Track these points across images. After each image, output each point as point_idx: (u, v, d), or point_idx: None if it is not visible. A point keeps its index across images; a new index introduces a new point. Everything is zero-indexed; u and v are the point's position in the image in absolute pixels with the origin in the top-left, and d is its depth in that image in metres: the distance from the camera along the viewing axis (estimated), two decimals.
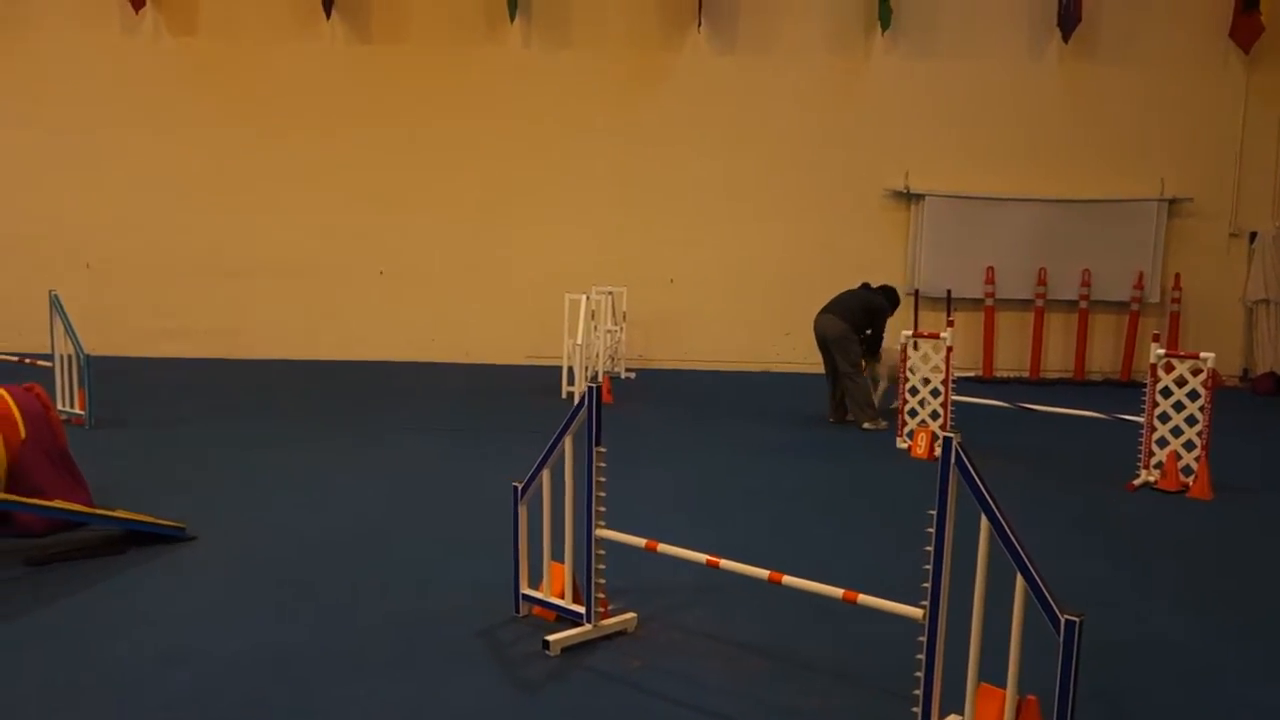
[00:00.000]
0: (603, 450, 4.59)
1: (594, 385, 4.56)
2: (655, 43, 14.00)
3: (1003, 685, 3.53)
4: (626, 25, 13.94)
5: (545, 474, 4.83)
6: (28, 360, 10.13)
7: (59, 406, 9.30)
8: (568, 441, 4.71)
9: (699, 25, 13.82)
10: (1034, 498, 7.59)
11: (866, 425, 10.13)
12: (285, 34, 13.84)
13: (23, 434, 6.20)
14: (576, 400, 4.65)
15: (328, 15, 13.67)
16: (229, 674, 4.27)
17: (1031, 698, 3.56)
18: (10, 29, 13.77)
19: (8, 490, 6.05)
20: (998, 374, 14.32)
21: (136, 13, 13.64)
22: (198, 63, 13.85)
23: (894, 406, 9.74)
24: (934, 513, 3.54)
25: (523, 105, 13.98)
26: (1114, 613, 5.22)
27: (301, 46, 13.85)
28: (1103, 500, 7.63)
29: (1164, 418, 7.98)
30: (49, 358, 9.60)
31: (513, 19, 13.70)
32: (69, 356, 9.42)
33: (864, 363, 10.42)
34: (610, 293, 12.70)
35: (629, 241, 13.88)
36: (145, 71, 13.82)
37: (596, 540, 4.66)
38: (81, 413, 9.27)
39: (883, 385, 10.59)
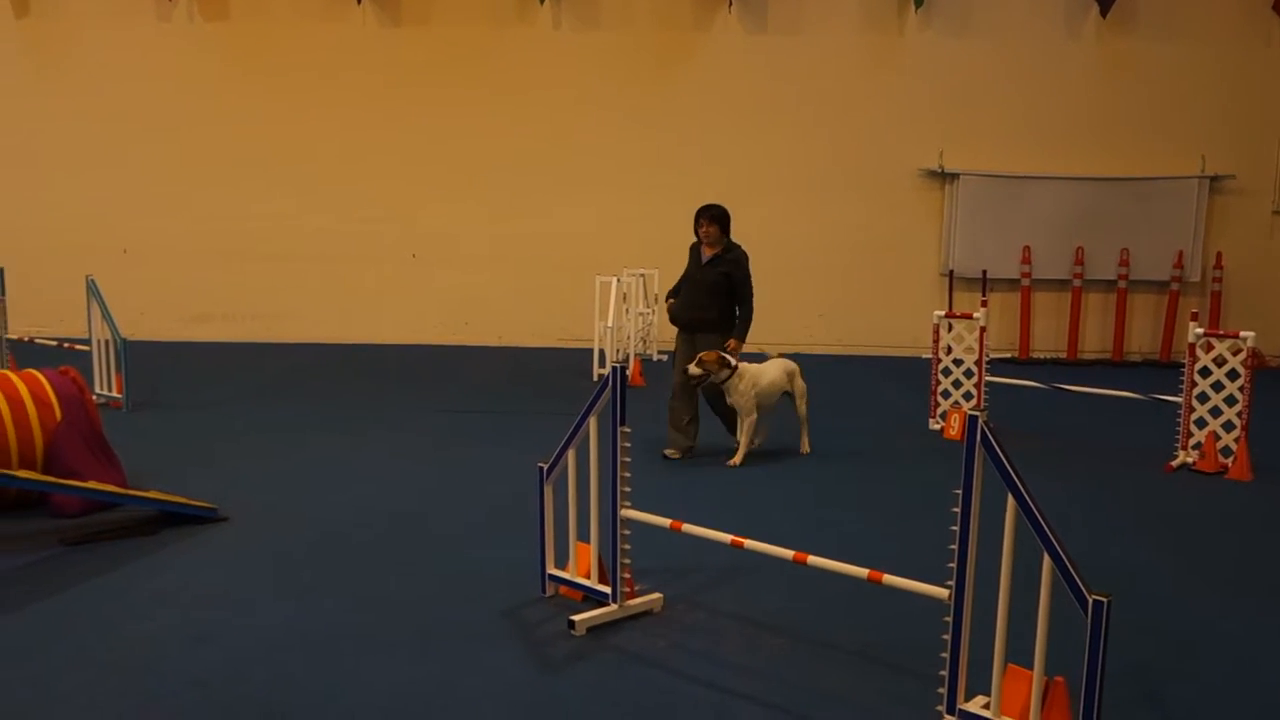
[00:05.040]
0: (628, 430, 4.57)
1: (618, 365, 4.54)
2: (686, 22, 13.90)
3: (1030, 666, 3.49)
4: (656, 5, 13.86)
5: (571, 454, 4.83)
6: (66, 345, 10.27)
7: (97, 390, 9.43)
8: (593, 422, 4.69)
9: (730, 4, 13.71)
10: (1069, 479, 7.49)
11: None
12: (317, 17, 13.89)
13: (58, 416, 6.30)
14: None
15: None
16: (257, 652, 4.31)
17: (1059, 679, 3.51)
18: (46, 19, 13.92)
19: (44, 472, 6.14)
20: (1034, 355, 14.15)
21: (170, 0, 13.74)
22: (231, 48, 13.94)
23: (755, 444, 7.93)
24: (960, 492, 3.50)
25: (554, 87, 13.95)
26: (1148, 594, 5.15)
27: (333, 30, 13.90)
28: (1140, 481, 7.52)
29: (1203, 398, 7.85)
30: (87, 342, 9.72)
31: (543, 1, 13.66)
32: (106, 341, 9.53)
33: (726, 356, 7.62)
34: (642, 275, 12.67)
35: (661, 223, 13.80)
36: (180, 58, 13.93)
37: (622, 520, 4.65)
38: (119, 396, 9.38)
39: (746, 419, 7.76)
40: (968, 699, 3.66)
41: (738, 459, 7.71)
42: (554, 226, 14.11)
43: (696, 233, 7.87)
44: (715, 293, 7.75)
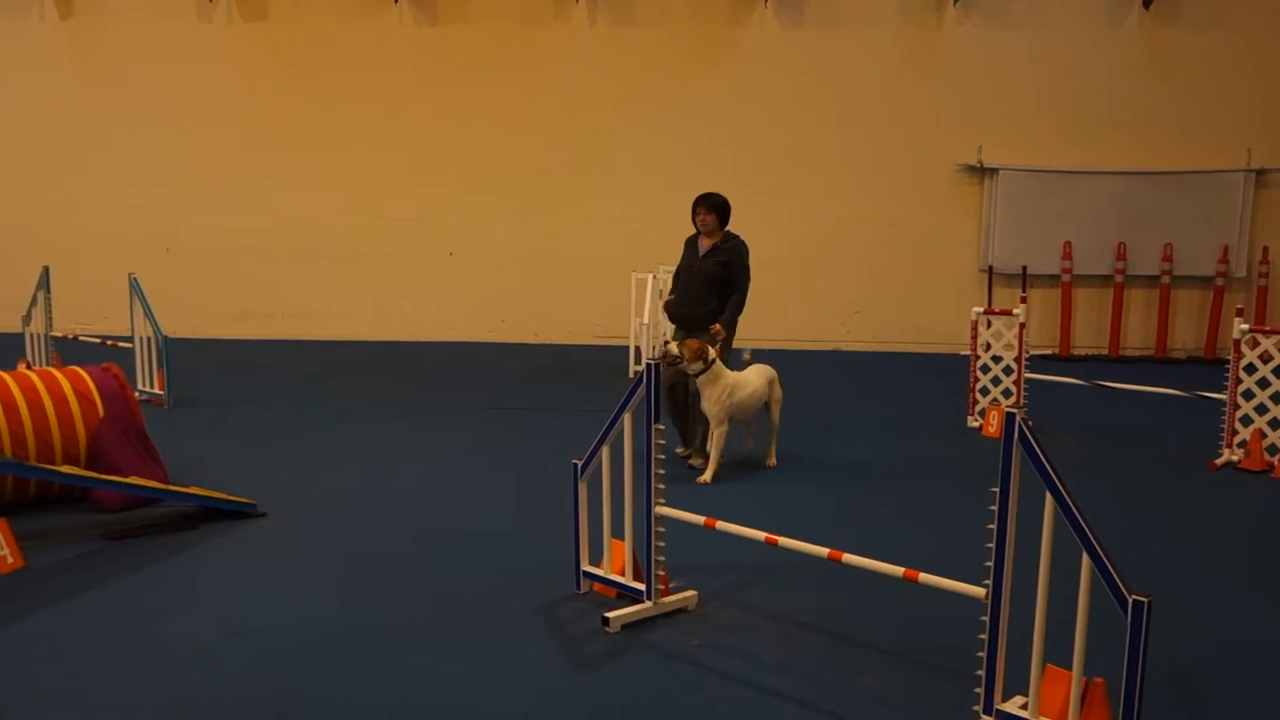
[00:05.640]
0: (661, 427, 4.56)
1: (652, 362, 4.53)
2: (722, 17, 13.85)
3: (1069, 667, 3.44)
4: (692, 1, 13.82)
5: (605, 451, 4.82)
6: (109, 342, 10.41)
7: (139, 387, 9.55)
8: (627, 419, 4.69)
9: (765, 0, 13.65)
10: (1111, 477, 7.38)
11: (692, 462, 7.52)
12: (354, 17, 13.97)
13: (101, 413, 6.39)
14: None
15: None
16: (292, 646, 4.34)
17: (1099, 680, 3.45)
18: (90, 20, 14.12)
19: (87, 467, 6.23)
20: (1075, 351, 13.97)
21: (211, 0, 13.89)
22: (270, 48, 14.06)
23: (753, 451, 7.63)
24: (997, 490, 3.45)
25: (589, 83, 13.94)
26: (1192, 595, 5.06)
27: (370, 29, 13.98)
28: (1183, 480, 7.40)
29: (1248, 395, 7.71)
30: (130, 339, 9.85)
31: None
32: (148, 338, 9.65)
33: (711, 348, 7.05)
34: None
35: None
36: (220, 57, 14.07)
37: (656, 517, 4.63)
38: (161, 393, 9.50)
39: (716, 430, 7.07)
40: (1005, 699, 3.62)
41: (708, 475, 7.04)
42: (590, 223, 14.10)
43: (694, 223, 7.46)
44: (713, 285, 7.28)
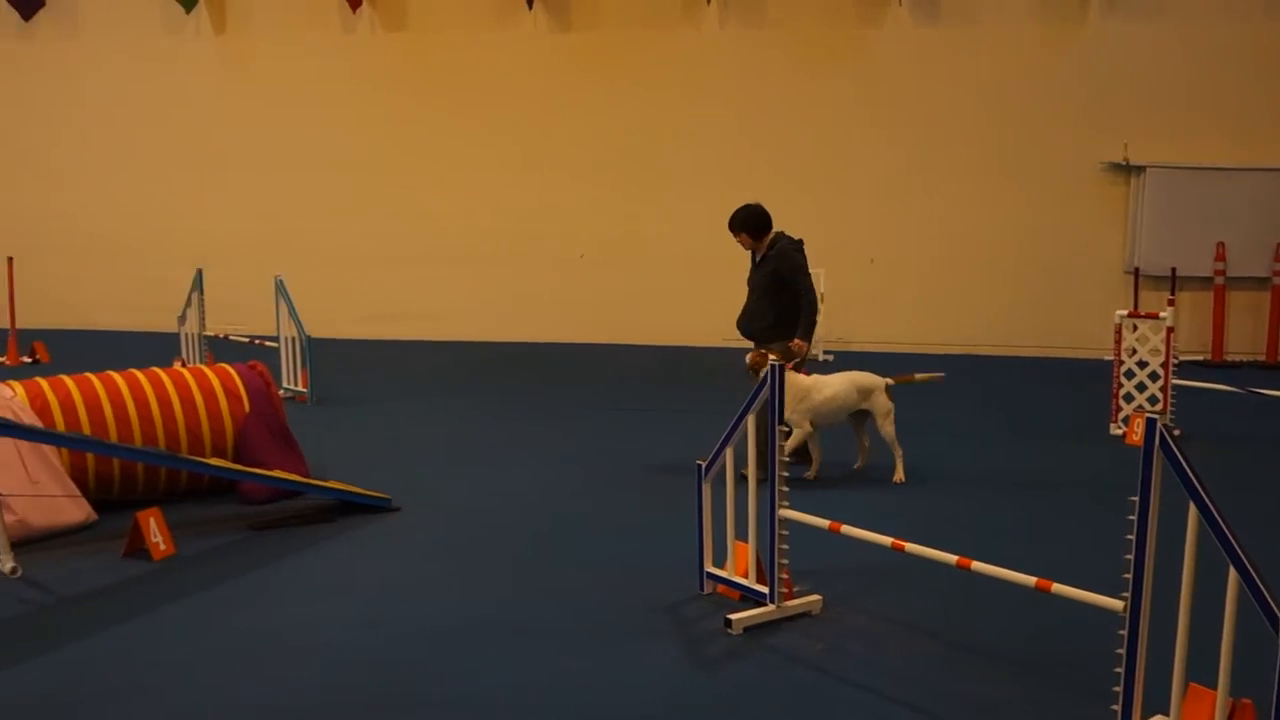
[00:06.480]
0: (786, 429, 4.53)
1: (777, 364, 4.50)
2: (853, 18, 13.65)
3: (1213, 686, 3.27)
4: (824, 1, 13.68)
5: (729, 452, 4.81)
6: (257, 341, 10.88)
7: (284, 385, 9.96)
8: (751, 420, 4.67)
9: None
10: (1264, 488, 6.98)
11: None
12: (490, 25, 14.30)
13: (247, 408, 6.70)
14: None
15: (530, 5, 14.03)
16: (415, 640, 4.46)
17: (1246, 701, 3.28)
18: (241, 34, 14.82)
19: (233, 460, 6.54)
20: (1229, 357, 13.27)
21: (354, 12, 14.40)
22: (410, 56, 14.49)
23: (806, 475, 7.06)
24: (1136, 499, 3.31)
25: (720, 86, 13.92)
26: None
27: (505, 37, 14.27)
28: None
29: None
30: (275, 339, 10.29)
31: (709, 0, 13.68)
32: (293, 338, 10.06)
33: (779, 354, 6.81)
34: None
35: (828, 221, 13.54)
36: (363, 67, 14.58)
37: (780, 520, 4.60)
38: (304, 390, 9.89)
39: (795, 430, 6.79)
40: (1145, 717, 3.46)
41: (812, 471, 6.97)
42: (720, 225, 14.03)
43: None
44: (767, 295, 7.01)
